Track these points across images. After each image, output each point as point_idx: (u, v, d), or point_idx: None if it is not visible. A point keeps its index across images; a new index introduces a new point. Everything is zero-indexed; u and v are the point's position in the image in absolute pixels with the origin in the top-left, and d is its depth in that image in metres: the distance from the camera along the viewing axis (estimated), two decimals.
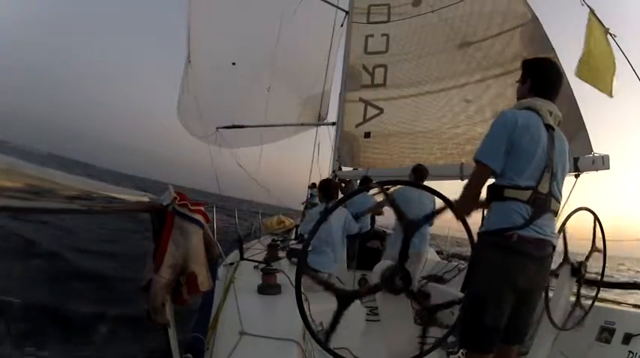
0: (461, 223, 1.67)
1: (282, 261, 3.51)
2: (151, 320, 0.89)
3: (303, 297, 1.50)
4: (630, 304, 2.55)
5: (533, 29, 4.63)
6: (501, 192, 1.58)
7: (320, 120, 7.52)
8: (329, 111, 7.50)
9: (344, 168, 6.32)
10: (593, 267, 2.52)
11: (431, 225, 3.94)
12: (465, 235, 1.64)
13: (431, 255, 4.93)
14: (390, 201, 1.69)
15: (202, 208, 1.02)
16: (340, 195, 5.95)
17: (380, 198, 4.31)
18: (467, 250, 1.77)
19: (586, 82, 3.59)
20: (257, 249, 4.27)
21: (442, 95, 5.52)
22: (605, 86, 3.58)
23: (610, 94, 3.61)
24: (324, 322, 2.27)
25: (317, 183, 3.99)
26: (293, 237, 5.59)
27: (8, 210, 0.48)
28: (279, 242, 4.28)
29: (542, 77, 1.76)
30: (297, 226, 5.94)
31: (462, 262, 4.19)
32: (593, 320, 2.42)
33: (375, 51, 6.18)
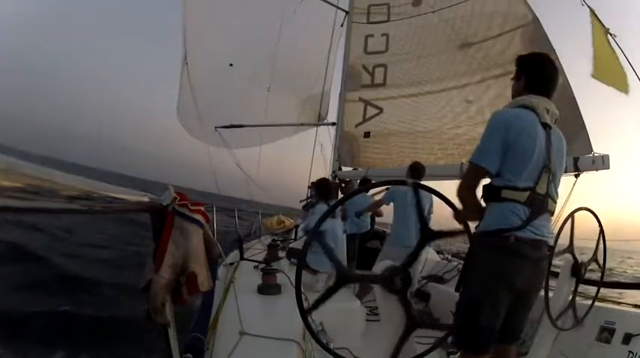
0: (463, 226, 1.66)
1: (282, 261, 3.51)
2: (151, 321, 0.89)
3: (303, 297, 1.50)
4: (630, 304, 2.55)
5: (534, 30, 4.64)
6: (498, 193, 1.55)
7: (320, 120, 7.52)
8: (329, 111, 7.50)
9: (344, 168, 6.33)
10: (593, 268, 2.52)
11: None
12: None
13: (431, 255, 4.92)
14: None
15: (202, 208, 1.02)
16: (340, 195, 5.98)
17: (378, 197, 4.32)
18: (467, 250, 1.77)
19: (602, 82, 3.57)
20: (257, 249, 4.28)
21: (443, 95, 5.53)
22: (619, 84, 3.56)
23: (626, 92, 3.57)
24: (324, 322, 2.28)
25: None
26: (293, 236, 5.59)
27: (8, 210, 0.48)
28: (279, 242, 4.28)
29: (537, 73, 1.70)
30: (297, 226, 5.94)
31: (462, 262, 4.19)
32: (593, 320, 2.41)
33: (374, 51, 6.18)
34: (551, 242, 1.64)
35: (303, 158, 7.41)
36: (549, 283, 2.18)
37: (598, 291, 2.49)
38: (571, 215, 2.28)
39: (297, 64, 7.03)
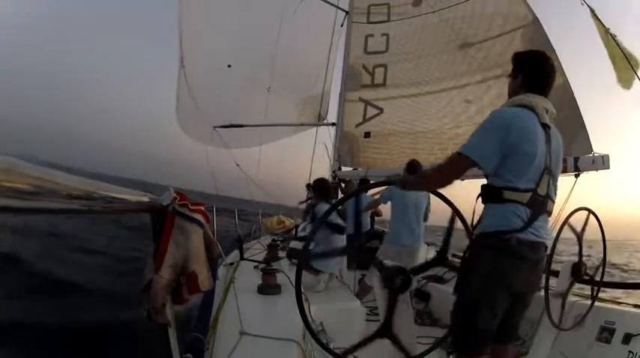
0: (464, 226, 1.68)
1: (282, 261, 3.51)
2: (152, 321, 0.89)
3: (303, 297, 1.50)
4: (630, 304, 2.55)
5: (534, 31, 4.64)
6: (500, 194, 1.53)
7: (320, 120, 7.52)
8: (329, 111, 7.50)
9: (344, 168, 6.33)
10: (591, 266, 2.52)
11: (426, 220, 3.94)
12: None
13: (431, 254, 4.93)
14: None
15: (202, 208, 1.02)
16: (340, 195, 5.98)
17: (377, 196, 4.32)
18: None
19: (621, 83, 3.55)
20: (257, 249, 4.28)
21: (443, 95, 5.53)
22: (623, 80, 3.55)
23: (627, 87, 3.55)
24: (324, 322, 2.28)
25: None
26: (293, 236, 5.59)
27: (8, 210, 0.48)
28: (279, 242, 4.28)
29: (535, 71, 1.67)
30: (297, 226, 5.94)
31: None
32: (593, 320, 2.41)
33: (375, 51, 6.18)
34: (549, 243, 1.64)
35: (304, 157, 7.41)
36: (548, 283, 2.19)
37: (598, 291, 2.49)
38: (571, 215, 2.28)
39: (297, 64, 7.02)
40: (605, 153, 3.74)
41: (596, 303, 2.45)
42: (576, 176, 3.59)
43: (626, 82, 3.52)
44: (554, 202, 1.63)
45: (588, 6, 3.87)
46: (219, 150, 6.81)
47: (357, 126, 6.20)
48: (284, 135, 7.72)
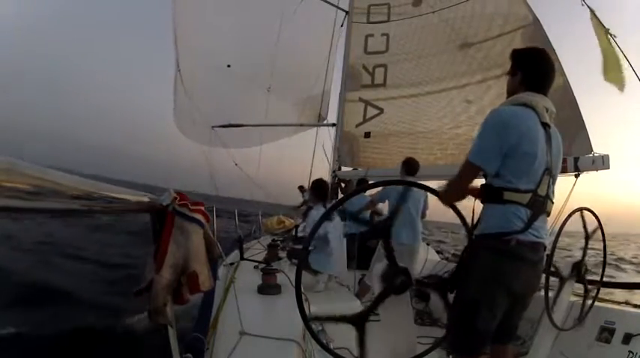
0: (452, 210, 1.68)
1: (282, 261, 3.51)
2: (153, 321, 0.89)
3: (303, 297, 1.50)
4: (630, 304, 2.55)
5: (535, 31, 4.64)
6: (500, 194, 1.52)
7: (320, 120, 7.52)
8: (329, 111, 7.49)
9: (343, 168, 6.33)
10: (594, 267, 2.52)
11: (423, 217, 3.94)
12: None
13: (431, 255, 4.93)
14: (353, 216, 1.68)
15: (202, 208, 1.02)
16: (340, 195, 5.98)
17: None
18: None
19: (609, 81, 3.55)
20: (257, 249, 4.28)
21: (443, 95, 5.53)
22: (617, 80, 3.55)
23: (620, 89, 3.56)
24: (324, 322, 2.27)
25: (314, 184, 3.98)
26: (293, 236, 5.59)
27: (8, 210, 0.48)
28: (279, 242, 4.28)
29: (534, 69, 1.64)
30: (297, 226, 5.94)
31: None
32: (593, 320, 2.41)
33: (375, 51, 6.19)
34: (547, 243, 1.63)
35: (305, 157, 7.41)
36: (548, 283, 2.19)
37: (598, 291, 2.49)
38: (571, 215, 2.29)
39: (297, 64, 7.02)
40: (605, 153, 3.74)
41: (596, 303, 2.45)
42: (576, 176, 3.60)
43: (618, 83, 3.52)
44: (552, 202, 1.62)
45: (588, 6, 3.87)
46: (218, 151, 6.80)
47: (357, 126, 6.20)
48: (284, 135, 7.72)
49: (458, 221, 1.65)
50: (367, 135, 6.10)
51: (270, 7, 6.53)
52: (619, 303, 2.60)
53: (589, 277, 2.44)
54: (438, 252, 5.27)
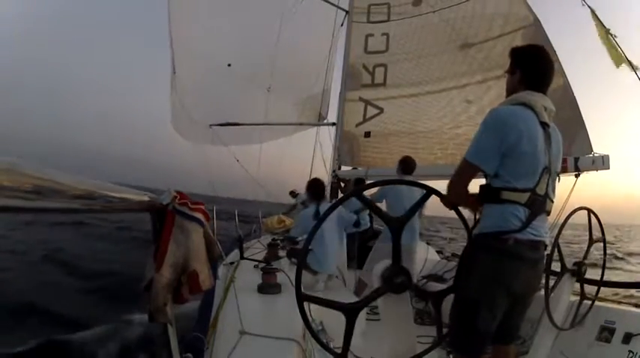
0: (455, 213, 1.68)
1: (282, 261, 3.51)
2: (154, 321, 0.89)
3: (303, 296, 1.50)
4: (631, 303, 2.55)
5: (535, 32, 4.63)
6: (498, 194, 1.52)
7: (320, 120, 7.51)
8: (329, 110, 7.48)
9: (343, 168, 6.33)
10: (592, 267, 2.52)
11: (420, 216, 3.93)
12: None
13: (431, 254, 4.93)
14: (369, 205, 1.71)
15: (202, 207, 1.02)
16: (340, 194, 5.98)
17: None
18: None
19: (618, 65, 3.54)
20: (257, 249, 4.28)
21: (443, 95, 5.52)
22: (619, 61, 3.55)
23: (617, 65, 3.55)
24: (324, 321, 2.28)
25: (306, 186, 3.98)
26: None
27: (8, 210, 0.48)
28: (279, 241, 4.28)
29: (533, 68, 1.63)
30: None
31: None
32: (593, 319, 2.41)
33: (375, 50, 6.18)
34: (548, 241, 1.62)
35: (305, 156, 7.41)
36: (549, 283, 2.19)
37: (598, 291, 2.49)
38: (571, 214, 2.29)
39: (297, 63, 7.02)
40: (605, 153, 3.74)
41: (596, 303, 2.45)
42: (576, 176, 3.60)
43: (617, 61, 3.52)
44: (552, 202, 1.61)
45: (589, 6, 3.87)
46: (218, 152, 6.78)
47: (357, 125, 6.19)
48: (284, 134, 7.72)
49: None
50: (367, 134, 6.09)
51: (271, 7, 6.53)
52: (619, 303, 2.60)
53: (590, 277, 2.44)
54: (438, 252, 5.27)
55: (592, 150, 3.84)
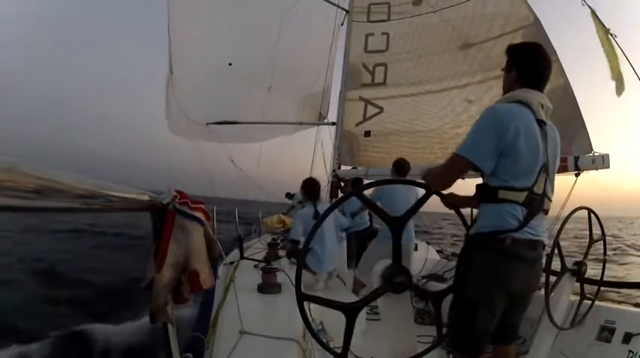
0: (454, 211, 1.68)
1: (282, 260, 3.51)
2: (155, 320, 0.89)
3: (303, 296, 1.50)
4: (631, 303, 2.55)
5: (536, 32, 4.63)
6: (495, 194, 1.50)
7: (321, 119, 7.51)
8: (329, 109, 7.47)
9: (343, 167, 6.33)
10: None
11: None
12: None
13: (431, 254, 4.93)
14: (370, 204, 1.70)
15: (203, 206, 1.02)
16: (340, 194, 5.98)
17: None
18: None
19: (615, 81, 3.53)
20: (257, 248, 4.28)
21: (444, 95, 5.52)
22: (617, 85, 3.55)
23: (619, 93, 3.55)
24: (324, 321, 2.28)
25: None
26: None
27: (8, 209, 0.47)
28: (279, 241, 4.28)
29: (529, 65, 1.61)
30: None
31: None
32: (593, 319, 2.41)
33: (375, 49, 6.18)
34: (546, 241, 1.61)
35: (305, 155, 7.40)
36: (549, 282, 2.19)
37: (598, 290, 2.49)
38: (571, 214, 2.29)
39: (298, 62, 7.01)
40: (606, 152, 3.74)
41: (596, 303, 2.45)
42: (576, 175, 3.60)
43: (618, 85, 3.52)
44: (550, 200, 1.59)
45: (589, 6, 3.87)
46: (218, 152, 6.77)
47: (357, 125, 6.19)
48: (284, 133, 7.70)
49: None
50: (367, 134, 6.09)
51: (271, 6, 6.52)
52: (619, 303, 2.60)
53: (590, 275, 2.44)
54: (438, 251, 5.28)
55: (592, 150, 3.84)
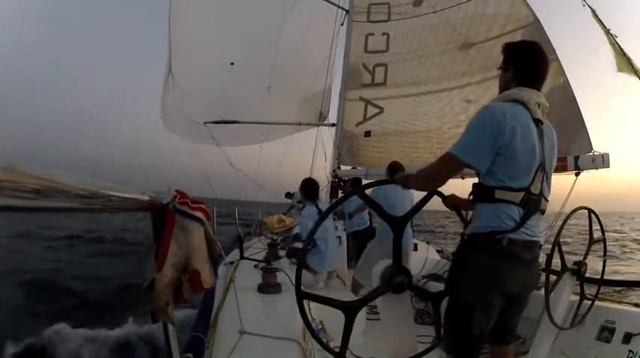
0: (455, 213, 1.68)
1: (282, 260, 3.51)
2: (156, 320, 0.89)
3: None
4: (631, 303, 2.55)
5: (535, 31, 4.63)
6: (491, 193, 1.48)
7: (321, 118, 7.50)
8: (330, 109, 7.46)
9: (343, 167, 6.33)
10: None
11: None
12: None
13: (431, 254, 4.93)
14: (372, 203, 1.70)
15: (203, 206, 1.02)
16: (340, 194, 5.98)
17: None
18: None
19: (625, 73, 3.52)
20: (257, 248, 4.27)
21: (443, 95, 5.52)
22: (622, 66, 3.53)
23: (620, 69, 3.53)
24: (324, 321, 2.28)
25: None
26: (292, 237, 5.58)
27: (8, 209, 0.47)
28: (279, 241, 4.28)
29: (526, 64, 1.59)
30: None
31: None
32: (593, 319, 2.41)
33: (375, 50, 6.18)
34: (542, 241, 1.59)
35: (305, 155, 7.40)
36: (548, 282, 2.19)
37: (598, 290, 2.49)
38: (571, 214, 2.29)
39: (298, 62, 7.00)
40: (606, 151, 3.74)
41: (597, 303, 2.44)
42: (577, 174, 3.59)
43: (623, 68, 3.51)
44: (547, 201, 1.58)
45: (590, 7, 3.86)
46: (217, 154, 6.74)
47: (357, 125, 6.19)
48: (284, 134, 7.70)
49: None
50: (367, 134, 6.09)
51: (271, 6, 6.51)
52: (619, 303, 2.60)
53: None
54: (438, 252, 5.27)
55: (592, 149, 3.84)
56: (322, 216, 1.66)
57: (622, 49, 3.55)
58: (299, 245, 3.93)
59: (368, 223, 5.08)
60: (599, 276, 2.50)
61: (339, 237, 4.09)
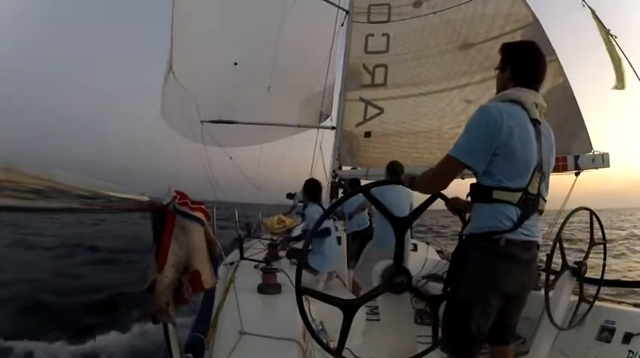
0: (457, 215, 1.68)
1: (282, 261, 3.51)
2: (156, 321, 0.89)
3: (303, 297, 1.50)
4: (631, 303, 2.55)
5: (535, 31, 4.63)
6: (489, 194, 1.47)
7: (322, 118, 7.51)
8: (331, 108, 7.46)
9: (344, 168, 6.33)
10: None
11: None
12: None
13: (431, 254, 4.93)
14: (376, 203, 1.71)
15: (203, 206, 1.02)
16: (340, 194, 5.98)
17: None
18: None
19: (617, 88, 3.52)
20: (257, 249, 4.28)
21: (443, 95, 5.53)
22: (619, 81, 3.53)
23: (622, 87, 3.53)
24: (324, 322, 2.28)
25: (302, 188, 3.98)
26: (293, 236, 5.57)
27: (8, 209, 0.48)
28: (279, 241, 4.29)
29: (523, 64, 1.58)
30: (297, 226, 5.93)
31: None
32: (593, 319, 2.41)
33: (375, 50, 6.18)
34: (540, 241, 1.58)
35: (306, 155, 7.40)
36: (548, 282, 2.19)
37: (598, 290, 2.49)
38: (571, 214, 2.29)
39: (298, 63, 7.01)
40: (605, 151, 3.74)
41: (596, 303, 2.44)
42: (576, 174, 3.59)
43: (620, 83, 3.51)
44: (545, 201, 1.57)
45: (589, 7, 3.87)
46: (217, 155, 6.74)
47: (357, 125, 6.19)
48: (284, 134, 7.71)
49: None
50: (367, 134, 6.09)
51: (271, 6, 6.52)
52: (619, 303, 2.60)
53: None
54: (438, 252, 5.27)
55: (592, 149, 3.83)
56: (324, 214, 1.67)
57: (619, 56, 3.55)
58: (299, 245, 3.93)
59: (368, 223, 5.08)
60: (599, 276, 2.51)
61: (339, 237, 4.09)
